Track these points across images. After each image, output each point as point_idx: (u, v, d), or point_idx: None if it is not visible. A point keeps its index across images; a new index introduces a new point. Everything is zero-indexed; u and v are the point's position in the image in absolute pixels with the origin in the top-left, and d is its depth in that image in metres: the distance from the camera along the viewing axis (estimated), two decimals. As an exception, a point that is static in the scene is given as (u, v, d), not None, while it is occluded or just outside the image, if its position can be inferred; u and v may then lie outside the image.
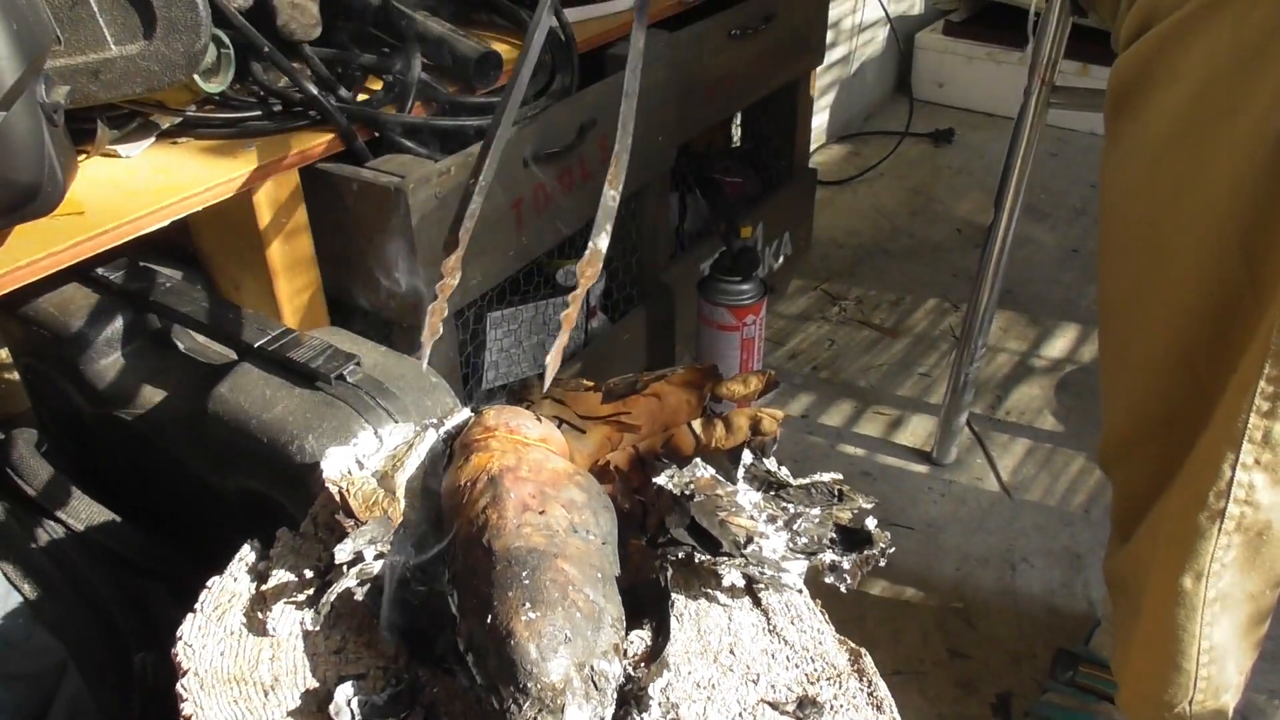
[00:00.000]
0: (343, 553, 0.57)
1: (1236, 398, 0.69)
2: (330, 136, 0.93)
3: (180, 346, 0.92)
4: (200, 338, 0.93)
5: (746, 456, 0.65)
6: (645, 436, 0.69)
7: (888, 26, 2.54)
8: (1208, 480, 0.72)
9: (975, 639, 1.14)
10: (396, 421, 0.76)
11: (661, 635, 0.57)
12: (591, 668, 0.50)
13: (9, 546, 0.80)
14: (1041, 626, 1.15)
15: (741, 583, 0.59)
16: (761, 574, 0.59)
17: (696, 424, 0.65)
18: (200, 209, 0.84)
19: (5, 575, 0.79)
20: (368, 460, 0.63)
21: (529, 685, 0.48)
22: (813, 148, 2.19)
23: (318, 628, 0.56)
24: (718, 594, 0.61)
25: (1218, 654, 0.77)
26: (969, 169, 2.31)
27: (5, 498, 0.84)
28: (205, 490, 0.84)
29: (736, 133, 1.91)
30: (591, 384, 0.69)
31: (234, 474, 0.80)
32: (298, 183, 0.92)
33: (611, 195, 0.65)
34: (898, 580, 1.20)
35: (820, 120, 2.38)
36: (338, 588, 0.55)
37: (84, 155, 0.87)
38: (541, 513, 0.56)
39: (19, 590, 0.78)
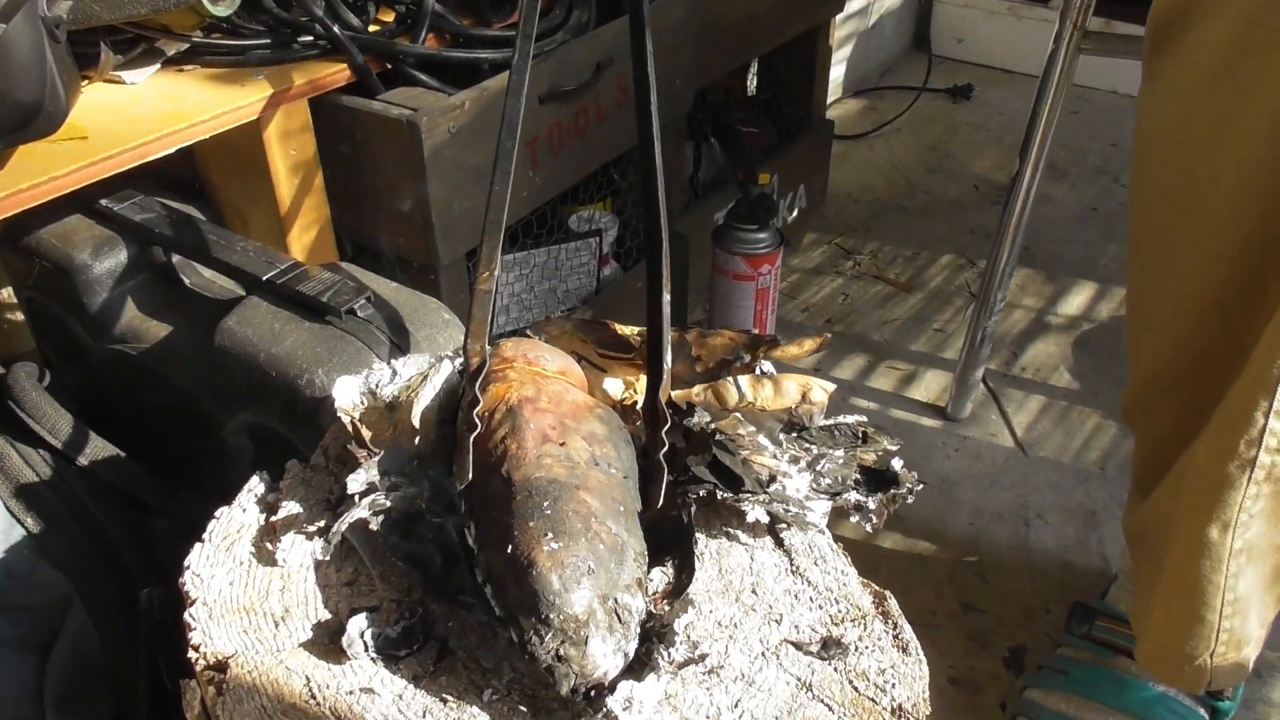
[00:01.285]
0: (355, 483, 0.55)
1: (1270, 345, 0.67)
2: (341, 67, 0.91)
3: (186, 282, 0.90)
4: (206, 273, 0.91)
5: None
6: (681, 386, 0.67)
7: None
8: (1238, 428, 0.70)
9: (988, 593, 1.12)
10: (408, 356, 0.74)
11: (685, 572, 0.55)
12: (615, 600, 0.48)
13: (11, 480, 0.79)
14: (1055, 582, 1.14)
15: (765, 519, 0.57)
16: (785, 510, 0.57)
17: (744, 379, 0.63)
18: (207, 137, 0.81)
19: (8, 508, 0.77)
20: (380, 390, 0.61)
21: (551, 616, 0.46)
22: (828, 101, 2.15)
23: (328, 558, 0.55)
24: (739, 533, 0.59)
25: (1241, 606, 0.75)
26: (987, 125, 2.27)
27: (7, 431, 0.82)
28: (211, 426, 0.82)
29: (752, 83, 1.87)
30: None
31: (241, 409, 0.79)
32: (308, 114, 0.89)
33: (666, 300, 0.61)
34: (911, 534, 1.18)
35: (836, 74, 2.33)
36: (349, 517, 0.53)
37: (87, 80, 0.84)
38: (562, 444, 0.54)
39: (21, 524, 0.77)
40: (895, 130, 2.24)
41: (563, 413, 0.57)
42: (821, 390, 0.61)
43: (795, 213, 1.79)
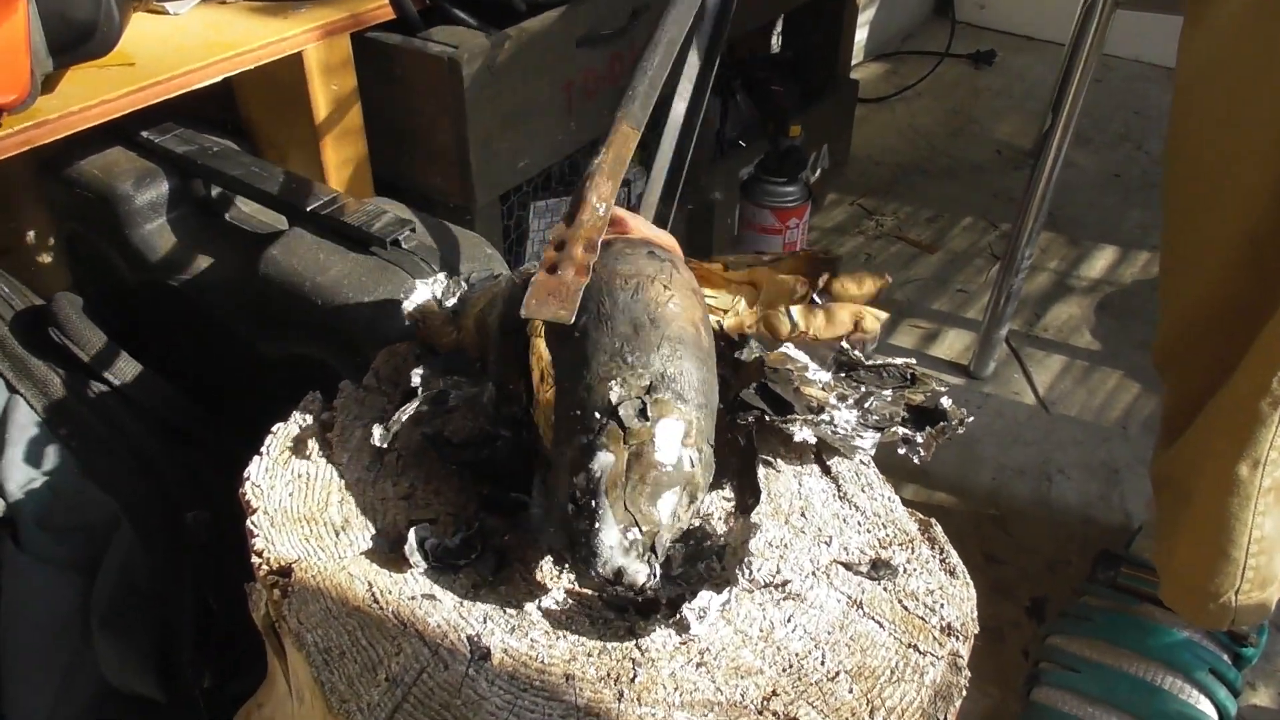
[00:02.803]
0: (418, 376, 0.56)
1: None
2: (382, 3, 0.91)
3: (226, 216, 0.90)
4: (246, 208, 0.91)
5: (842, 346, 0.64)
6: (734, 318, 0.67)
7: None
8: (1272, 365, 0.70)
9: (1011, 546, 1.13)
10: (454, 287, 0.75)
11: (751, 493, 0.56)
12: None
13: (56, 405, 0.80)
14: (1077, 536, 1.15)
15: (812, 440, 0.57)
16: (833, 433, 0.58)
17: (796, 310, 0.64)
18: (252, 67, 0.82)
19: (53, 431, 0.78)
20: (444, 298, 0.62)
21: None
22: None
23: (386, 444, 0.55)
24: (778, 462, 0.59)
25: (1267, 544, 0.76)
26: (1009, 92, 2.26)
27: (51, 357, 0.83)
28: (253, 358, 0.83)
29: (776, 41, 1.86)
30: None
31: (285, 339, 0.79)
32: (349, 49, 0.89)
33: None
34: (933, 487, 1.19)
35: (859, 37, 2.32)
36: (410, 408, 0.54)
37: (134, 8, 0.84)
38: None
39: (68, 446, 0.78)
40: (917, 94, 2.23)
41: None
42: (874, 318, 0.62)
43: (818, 173, 1.79)
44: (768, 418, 0.58)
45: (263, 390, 0.86)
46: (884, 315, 0.62)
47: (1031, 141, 2.02)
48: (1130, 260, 1.66)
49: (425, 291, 0.64)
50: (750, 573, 0.50)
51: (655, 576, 0.48)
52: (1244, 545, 0.76)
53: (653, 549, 0.48)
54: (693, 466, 0.49)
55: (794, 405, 0.59)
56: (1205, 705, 0.89)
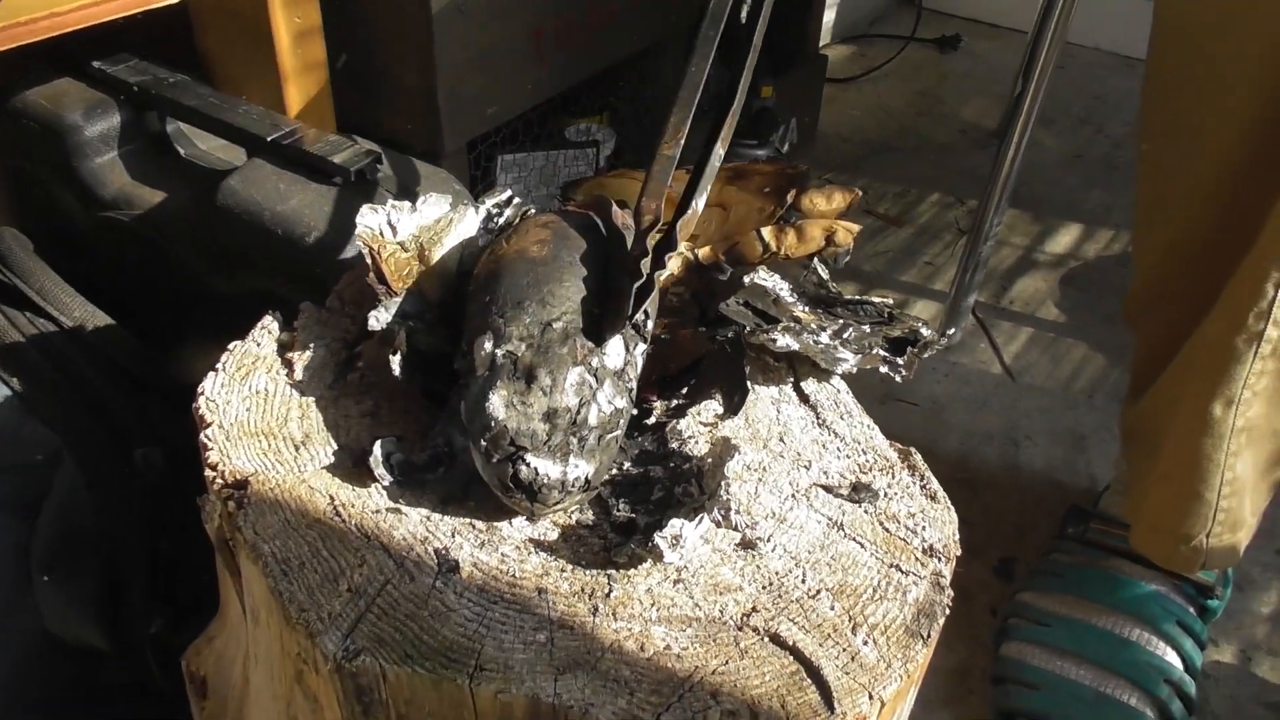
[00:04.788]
0: (375, 321, 0.54)
1: None
2: (347, -64, 0.88)
3: (181, 152, 0.87)
4: (203, 144, 0.88)
5: (815, 266, 0.62)
6: (705, 243, 0.65)
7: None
8: (1249, 301, 0.70)
9: (979, 508, 1.13)
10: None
11: (738, 393, 0.54)
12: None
13: (-1, 341, 0.76)
14: (1045, 499, 1.14)
15: (795, 346, 0.56)
16: (815, 344, 0.56)
17: (766, 231, 0.62)
18: (210, -8, 0.78)
19: (-6, 368, 0.74)
20: (400, 224, 0.59)
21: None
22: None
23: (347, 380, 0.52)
24: (755, 388, 0.58)
25: (1239, 486, 0.76)
26: (974, 75, 2.27)
27: (-7, 293, 0.79)
28: (210, 295, 0.80)
29: (744, 11, 1.85)
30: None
31: (243, 273, 0.76)
32: (312, -21, 0.86)
33: (718, 154, 0.59)
34: (901, 452, 1.18)
35: (826, 19, 2.31)
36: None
37: (83, -69, 0.81)
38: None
39: (7, 384, 0.74)
40: (884, 76, 2.23)
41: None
42: (846, 231, 0.60)
43: (786, 147, 1.78)
44: (748, 328, 0.56)
45: (219, 329, 0.83)
46: (856, 228, 0.61)
47: (996, 123, 2.02)
48: (1093, 237, 1.67)
49: (375, 217, 0.58)
50: (723, 515, 0.48)
51: (571, 464, 0.46)
52: (1216, 486, 0.76)
53: (572, 429, 0.46)
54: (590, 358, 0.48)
55: (777, 318, 0.58)
56: (1172, 657, 0.89)
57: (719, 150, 0.59)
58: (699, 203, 0.58)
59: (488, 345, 0.48)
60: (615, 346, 0.49)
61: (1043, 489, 1.16)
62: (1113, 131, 2.03)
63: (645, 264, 0.52)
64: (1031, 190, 1.78)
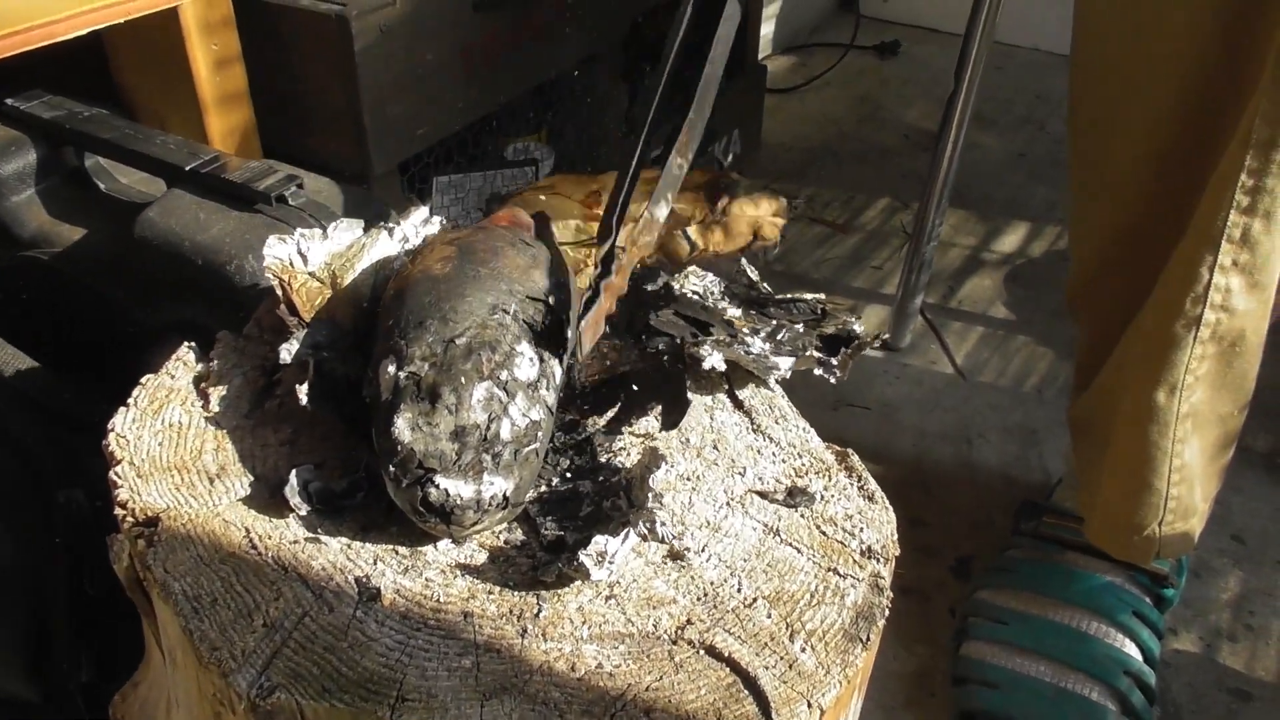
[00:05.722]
0: (287, 353, 0.52)
1: (1215, 196, 0.67)
2: (263, -40, 0.86)
3: (101, 187, 0.85)
4: (123, 179, 0.86)
5: (745, 267, 0.62)
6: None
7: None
8: (1184, 286, 0.70)
9: (934, 508, 1.13)
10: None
11: (677, 408, 0.53)
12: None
13: (-86, 388, 0.73)
14: (999, 496, 1.14)
15: (722, 365, 0.55)
16: (747, 354, 0.56)
17: (692, 229, 0.61)
18: (123, 21, 0.77)
19: (-90, 416, 0.72)
20: (310, 253, 0.57)
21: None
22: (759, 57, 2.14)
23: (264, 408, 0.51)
24: (687, 395, 0.57)
25: (1188, 473, 0.76)
26: (915, 79, 2.29)
27: (-95, 340, 0.76)
28: (133, 328, 0.78)
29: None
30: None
31: (165, 304, 0.74)
32: (230, 7, 0.84)
33: (678, 164, 0.58)
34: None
35: (766, 31, 2.33)
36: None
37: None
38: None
39: (-77, 431, 0.71)
40: (825, 84, 2.24)
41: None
42: (772, 225, 0.60)
43: (730, 158, 1.78)
44: (679, 340, 0.55)
45: (142, 363, 0.81)
46: (782, 221, 0.60)
47: (938, 125, 2.04)
48: (1039, 234, 1.68)
49: (284, 248, 0.56)
50: (650, 528, 0.47)
51: (486, 482, 0.45)
52: (1165, 474, 0.76)
53: (483, 446, 0.45)
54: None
55: (709, 323, 0.57)
56: (1130, 648, 0.89)
57: (677, 160, 0.58)
58: (656, 210, 0.57)
59: (390, 368, 0.46)
60: (526, 358, 0.47)
61: (997, 485, 1.16)
62: (1055, 129, 2.05)
63: (593, 275, 0.51)
64: (976, 190, 1.80)
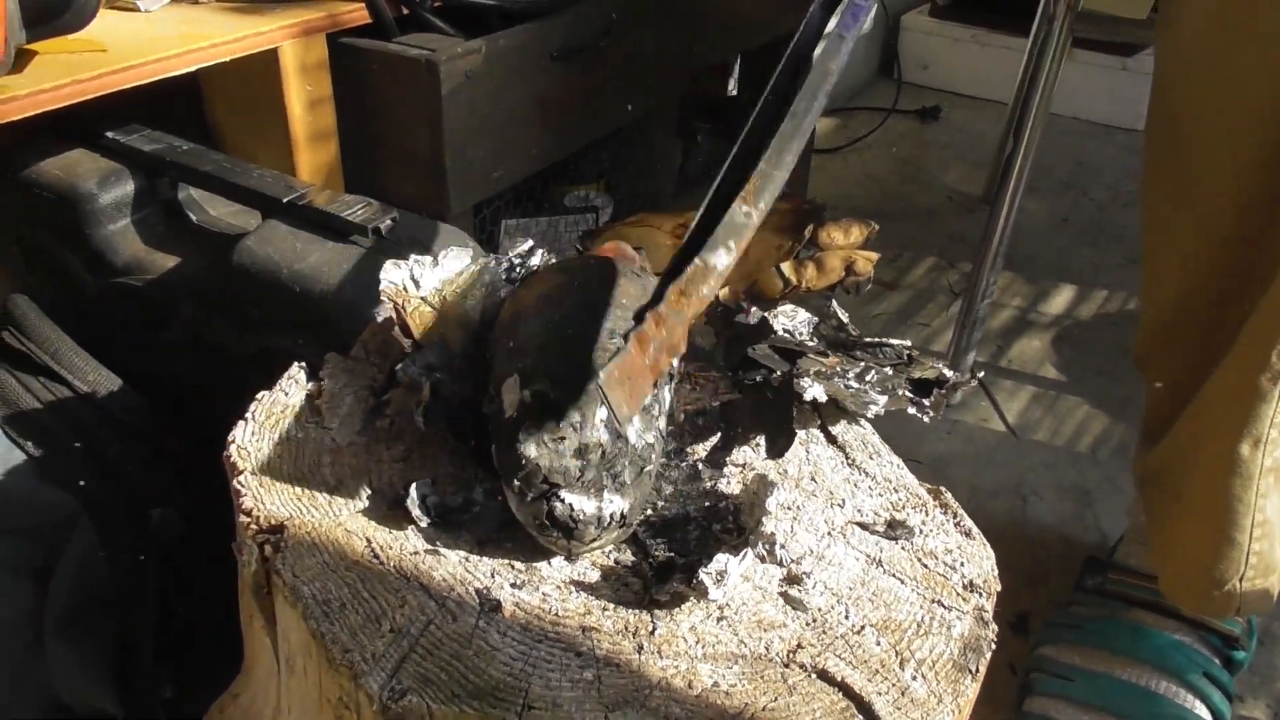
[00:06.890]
0: (403, 373, 0.54)
1: None
2: (359, 7, 0.90)
3: (193, 219, 0.88)
4: (213, 211, 0.89)
5: (835, 309, 0.63)
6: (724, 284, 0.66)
7: (876, 4, 2.54)
8: (1269, 340, 0.70)
9: (991, 564, 1.12)
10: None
11: (784, 436, 0.54)
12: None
13: (10, 405, 0.75)
14: (1055, 554, 1.14)
15: (823, 396, 0.56)
16: (846, 388, 0.57)
17: (786, 266, 0.63)
18: (227, 60, 0.80)
19: (5, 433, 0.74)
20: (422, 279, 0.59)
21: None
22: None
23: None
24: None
25: (1270, 529, 0.76)
26: (955, 144, 2.32)
27: (6, 360, 0.79)
28: (221, 357, 0.80)
29: (733, 84, 1.89)
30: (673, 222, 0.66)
31: (259, 332, 0.76)
32: (325, 50, 0.88)
33: (744, 211, 0.57)
34: (909, 509, 1.17)
35: (809, 93, 2.37)
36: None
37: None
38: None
39: (22, 448, 0.73)
40: (868, 146, 2.28)
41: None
42: (866, 260, 0.61)
43: (778, 215, 1.81)
44: (777, 373, 0.57)
45: (229, 392, 0.83)
46: (875, 256, 0.61)
47: (980, 188, 2.06)
48: (1086, 298, 1.69)
49: (398, 273, 0.59)
50: (767, 549, 0.48)
51: (606, 500, 0.45)
52: (1247, 529, 0.75)
53: (606, 467, 0.46)
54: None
55: (804, 354, 0.58)
56: (1201, 709, 0.87)
57: (742, 208, 0.59)
58: (710, 258, 0.57)
59: (515, 387, 0.48)
60: None
61: (1052, 543, 1.16)
62: (1096, 195, 2.07)
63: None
64: (1021, 252, 1.81)
